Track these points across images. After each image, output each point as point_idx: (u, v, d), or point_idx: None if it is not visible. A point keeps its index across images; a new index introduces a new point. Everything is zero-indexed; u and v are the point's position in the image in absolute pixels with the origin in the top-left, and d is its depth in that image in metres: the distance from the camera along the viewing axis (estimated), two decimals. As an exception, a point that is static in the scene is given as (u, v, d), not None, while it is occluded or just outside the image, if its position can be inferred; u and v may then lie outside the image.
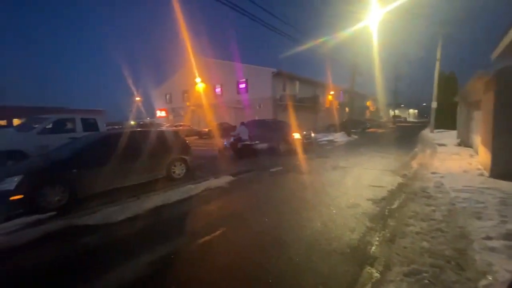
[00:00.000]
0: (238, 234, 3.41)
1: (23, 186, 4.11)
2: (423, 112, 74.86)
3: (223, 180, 6.29)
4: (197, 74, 28.00)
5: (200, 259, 2.81)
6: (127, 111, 39.54)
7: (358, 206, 4.27)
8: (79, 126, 7.89)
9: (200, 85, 28.67)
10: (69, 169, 4.62)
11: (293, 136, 10.93)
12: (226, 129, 23.56)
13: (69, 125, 7.98)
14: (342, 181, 5.99)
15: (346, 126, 19.62)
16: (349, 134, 18.27)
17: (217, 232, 3.45)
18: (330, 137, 17.68)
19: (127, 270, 2.65)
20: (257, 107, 25.35)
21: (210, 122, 26.02)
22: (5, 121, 30.32)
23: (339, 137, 17.41)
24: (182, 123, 27.73)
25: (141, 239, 3.37)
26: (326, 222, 3.65)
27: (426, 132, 18.02)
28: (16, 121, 30.59)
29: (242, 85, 26.56)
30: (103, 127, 8.45)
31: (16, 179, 4.13)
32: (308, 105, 27.03)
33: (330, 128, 26.12)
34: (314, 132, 13.41)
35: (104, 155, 5.22)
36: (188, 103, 31.04)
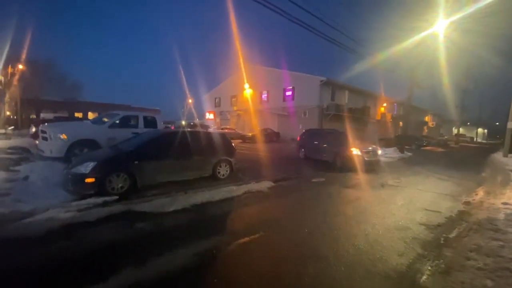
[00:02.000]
0: (276, 240, 3.45)
1: (96, 171, 4.80)
2: (495, 133, 64.79)
3: (264, 185, 6.40)
4: (245, 80, 29.04)
5: (239, 259, 2.92)
6: (179, 112, 42.75)
7: (408, 230, 3.95)
8: (141, 123, 8.85)
9: (247, 91, 29.62)
10: (132, 160, 5.24)
11: (351, 151, 9.37)
12: (269, 135, 23.83)
13: (133, 122, 9.01)
14: (391, 201, 5.58)
15: (399, 142, 18.15)
16: (401, 151, 16.85)
17: (256, 235, 3.54)
18: (380, 152, 16.51)
19: (175, 257, 2.90)
20: (302, 115, 25.09)
21: (254, 127, 26.63)
22: (81, 113, 35.52)
23: (390, 153, 16.17)
24: (228, 126, 28.91)
25: (188, 231, 3.65)
26: (371, 242, 3.46)
27: (498, 156, 15.59)
28: (90, 115, 35.61)
29: (289, 93, 26.61)
30: (161, 125, 9.35)
31: (91, 164, 4.85)
32: (357, 116, 25.74)
33: (380, 143, 24.43)
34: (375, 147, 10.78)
35: (161, 150, 5.80)
36: (235, 108, 32.29)
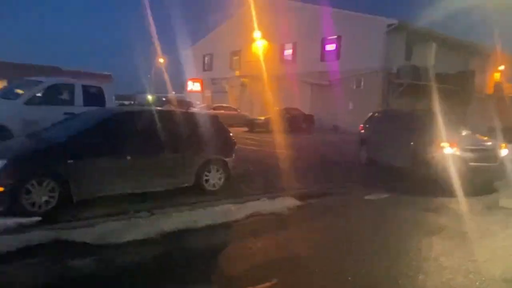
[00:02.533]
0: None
1: (6, 175, 5.03)
2: None
3: (282, 203, 6.56)
4: (255, 25, 28.99)
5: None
6: (143, 80, 43.36)
7: (525, 283, 3.99)
8: (78, 96, 9.14)
9: (259, 43, 29.64)
10: (64, 158, 5.45)
11: (441, 149, 8.70)
12: (294, 120, 23.87)
13: (66, 95, 9.33)
14: (500, 234, 5.67)
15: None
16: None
17: (266, 285, 3.67)
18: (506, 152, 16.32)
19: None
20: (354, 86, 25.03)
21: (269, 105, 26.71)
22: (-23, 81, 36.54)
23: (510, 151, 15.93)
24: (224, 105, 29.12)
25: (152, 275, 3.82)
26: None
27: None
28: (-5, 83, 36.65)
29: (331, 46, 26.50)
30: (110, 101, 9.62)
31: (-2, 164, 5.11)
32: (452, 88, 25.30)
33: (491, 133, 24.01)
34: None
35: (111, 143, 6.01)
36: (237, 73, 32.50)
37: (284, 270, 4.04)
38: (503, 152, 9.25)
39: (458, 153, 8.74)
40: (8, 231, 4.69)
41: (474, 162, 8.71)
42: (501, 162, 9.08)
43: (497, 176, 9.14)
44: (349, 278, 3.91)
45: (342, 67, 25.53)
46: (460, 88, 25.84)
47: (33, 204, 5.18)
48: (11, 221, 4.88)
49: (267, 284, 3.69)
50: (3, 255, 4.08)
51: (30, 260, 4.03)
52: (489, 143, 9.51)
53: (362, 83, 24.67)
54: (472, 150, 8.92)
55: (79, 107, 8.88)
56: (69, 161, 5.48)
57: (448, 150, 8.72)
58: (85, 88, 9.37)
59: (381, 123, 12.00)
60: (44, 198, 5.27)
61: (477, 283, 3.91)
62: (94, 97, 9.40)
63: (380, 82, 23.79)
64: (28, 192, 5.17)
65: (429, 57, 25.47)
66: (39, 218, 5.06)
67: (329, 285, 3.76)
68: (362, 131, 12.58)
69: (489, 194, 8.40)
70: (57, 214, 5.28)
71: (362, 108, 22.88)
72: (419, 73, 23.75)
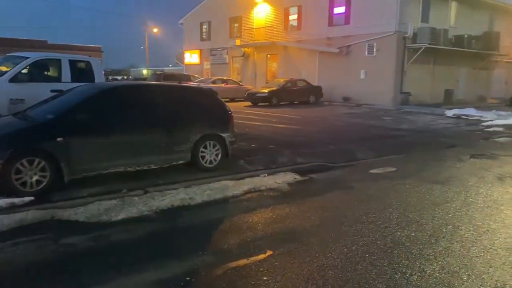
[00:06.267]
0: (292, 265, 3.86)
1: (-6, 154, 5.37)
2: None
3: (282, 178, 6.89)
4: (257, -12, 28.84)
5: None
6: (138, 53, 43.38)
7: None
8: (66, 72, 9.35)
9: (261, 8, 29.45)
10: (53, 136, 5.76)
11: None
12: (301, 92, 24.00)
13: (52, 71, 9.57)
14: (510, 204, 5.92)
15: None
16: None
17: (259, 256, 3.99)
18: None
19: None
20: (366, 53, 24.86)
21: (272, 77, 26.79)
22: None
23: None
24: (225, 78, 29.17)
25: (147, 250, 4.17)
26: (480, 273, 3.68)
27: None
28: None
29: (340, 9, 26.23)
30: (100, 76, 9.84)
31: (-15, 143, 5.43)
32: (474, 52, 25.16)
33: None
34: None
35: (102, 119, 6.30)
36: (238, 42, 32.34)
37: (279, 242, 4.36)
38: None
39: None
40: (0, 211, 5.06)
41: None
42: None
43: None
44: (345, 250, 4.23)
45: (352, 32, 25.45)
46: (483, 51, 25.70)
47: (24, 184, 5.52)
48: (2, 201, 5.23)
49: (261, 255, 4.02)
50: (-2, 234, 4.46)
51: (24, 239, 4.35)
52: None
53: (375, 49, 24.48)
54: None
55: (67, 83, 9.12)
56: (58, 139, 5.78)
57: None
58: (72, 63, 9.58)
59: None
60: (35, 178, 5.59)
61: (488, 256, 4.20)
62: (82, 72, 9.62)
63: (395, 47, 23.63)
64: (18, 171, 5.49)
65: (448, 18, 25.28)
66: (31, 198, 5.41)
67: (323, 258, 4.03)
68: None
69: (499, 163, 8.61)
70: (50, 193, 5.64)
71: (375, 77, 23.02)
72: (437, 36, 23.54)
